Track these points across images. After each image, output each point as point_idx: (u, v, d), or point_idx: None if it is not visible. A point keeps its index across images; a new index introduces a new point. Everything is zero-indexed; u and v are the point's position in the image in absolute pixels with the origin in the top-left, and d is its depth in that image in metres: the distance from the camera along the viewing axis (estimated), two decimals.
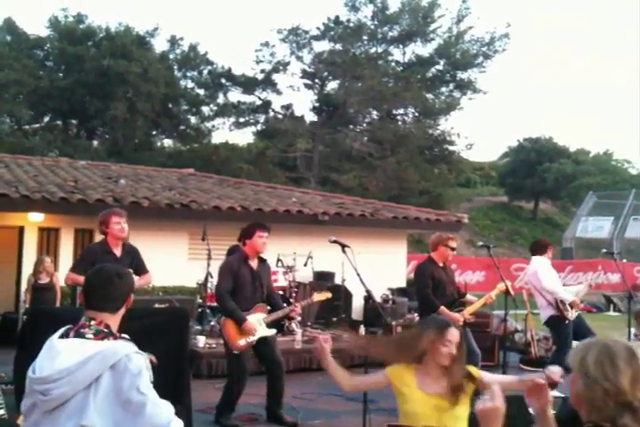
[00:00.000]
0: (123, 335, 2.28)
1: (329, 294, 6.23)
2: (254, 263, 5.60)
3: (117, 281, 2.34)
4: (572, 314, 6.61)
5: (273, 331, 5.62)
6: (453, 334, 3.24)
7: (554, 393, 2.07)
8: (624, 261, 15.61)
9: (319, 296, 6.13)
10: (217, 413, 5.47)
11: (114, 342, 2.21)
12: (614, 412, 1.77)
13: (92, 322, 2.25)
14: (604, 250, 7.13)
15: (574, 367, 1.86)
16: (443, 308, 5.91)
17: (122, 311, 2.36)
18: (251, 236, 5.57)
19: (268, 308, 5.73)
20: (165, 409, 2.14)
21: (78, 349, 2.15)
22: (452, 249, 6.23)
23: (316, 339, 3.46)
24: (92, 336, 2.20)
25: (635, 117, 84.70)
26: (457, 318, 5.83)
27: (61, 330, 2.27)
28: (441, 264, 6.24)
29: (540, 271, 6.82)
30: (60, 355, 2.14)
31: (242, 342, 5.38)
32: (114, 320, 2.31)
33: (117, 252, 5.30)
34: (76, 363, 2.11)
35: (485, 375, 3.34)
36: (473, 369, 3.38)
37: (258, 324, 5.46)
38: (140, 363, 2.15)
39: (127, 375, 2.11)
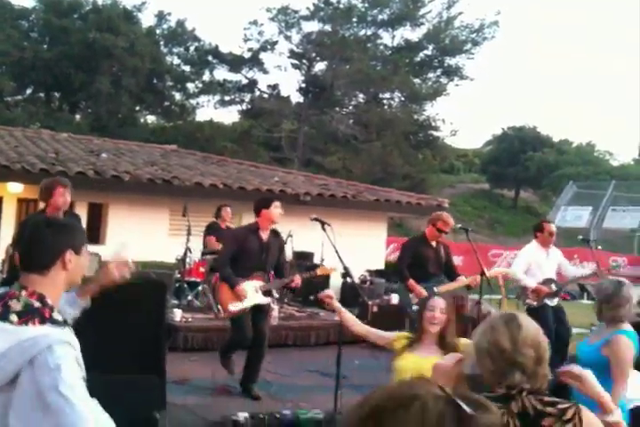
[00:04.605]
0: (54, 316, 1.82)
1: (332, 270, 6.26)
2: (265, 235, 5.64)
3: (45, 232, 1.91)
4: (535, 301, 6.47)
5: (268, 299, 5.69)
6: (436, 301, 3.57)
7: None
8: (599, 248, 15.79)
9: (322, 270, 6.19)
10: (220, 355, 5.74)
11: (37, 329, 1.74)
12: (505, 372, 1.91)
13: (24, 292, 1.82)
14: (580, 236, 7.08)
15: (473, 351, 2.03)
16: (411, 281, 6.02)
17: (59, 274, 1.90)
18: (268, 206, 5.62)
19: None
20: (88, 422, 1.66)
21: None
22: (439, 231, 6.26)
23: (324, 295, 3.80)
24: (15, 318, 1.75)
25: (619, 110, 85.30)
26: (421, 293, 5.91)
27: None
28: (433, 243, 6.30)
29: (517, 257, 6.85)
30: None
31: (233, 307, 5.47)
32: (47, 286, 1.87)
33: None
34: None
35: None
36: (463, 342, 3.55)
37: (253, 291, 5.51)
38: (61, 355, 1.70)
39: (45, 372, 1.66)
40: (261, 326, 5.62)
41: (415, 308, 5.12)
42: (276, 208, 5.65)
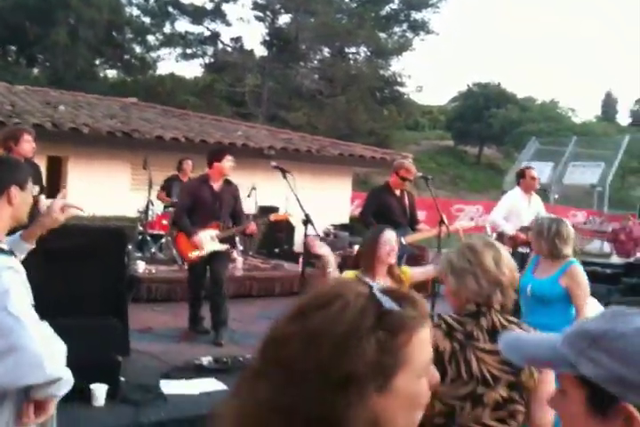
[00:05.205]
0: (0, 246, 1.87)
1: (287, 216, 6.34)
2: (217, 185, 5.77)
3: None
4: (510, 248, 6.48)
5: (224, 246, 5.79)
6: (389, 234, 3.55)
7: None
8: (555, 196, 16.05)
9: (276, 216, 6.28)
10: (189, 322, 5.85)
11: None
12: (489, 291, 1.99)
13: None
14: (538, 186, 7.13)
15: (444, 272, 2.10)
16: None
17: (4, 209, 1.95)
18: (220, 159, 5.73)
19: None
20: (39, 341, 1.70)
21: None
22: (403, 179, 6.21)
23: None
24: None
25: (584, 69, 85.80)
26: None
27: None
28: (397, 191, 6.26)
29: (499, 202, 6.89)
30: None
31: (192, 254, 5.65)
32: None
33: None
34: None
35: (412, 270, 3.71)
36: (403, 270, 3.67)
37: (209, 239, 5.64)
38: (9, 280, 1.75)
39: None
40: (218, 271, 5.75)
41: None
42: (228, 161, 5.76)
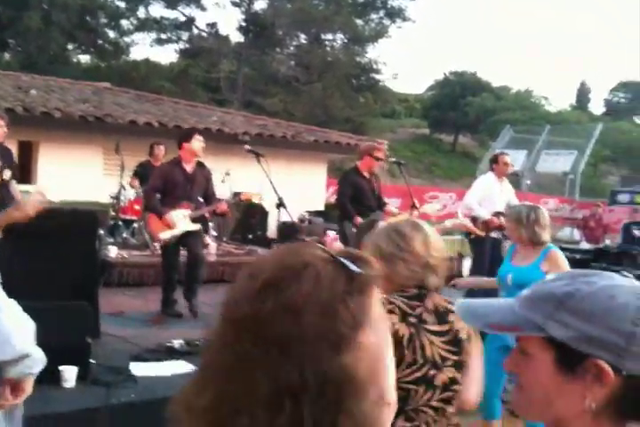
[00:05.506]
0: None
1: (257, 196, 6.33)
2: (190, 167, 5.76)
3: None
4: (482, 232, 6.51)
5: (197, 226, 5.79)
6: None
7: None
8: (528, 182, 16.24)
9: (246, 195, 6.32)
10: (162, 305, 5.81)
11: None
12: (421, 275, 1.96)
13: None
14: (509, 171, 7.19)
15: (372, 256, 2.02)
16: (359, 219, 6.05)
17: None
18: (189, 139, 5.72)
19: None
20: (7, 318, 1.70)
21: None
22: (378, 159, 6.16)
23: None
24: None
25: (559, 58, 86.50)
26: None
27: None
28: (366, 174, 6.21)
29: (471, 187, 6.93)
30: None
31: (164, 234, 5.64)
32: None
33: None
34: None
35: None
36: None
37: (182, 218, 5.66)
38: None
39: None
40: (195, 250, 5.77)
41: None
42: (196, 141, 5.75)
